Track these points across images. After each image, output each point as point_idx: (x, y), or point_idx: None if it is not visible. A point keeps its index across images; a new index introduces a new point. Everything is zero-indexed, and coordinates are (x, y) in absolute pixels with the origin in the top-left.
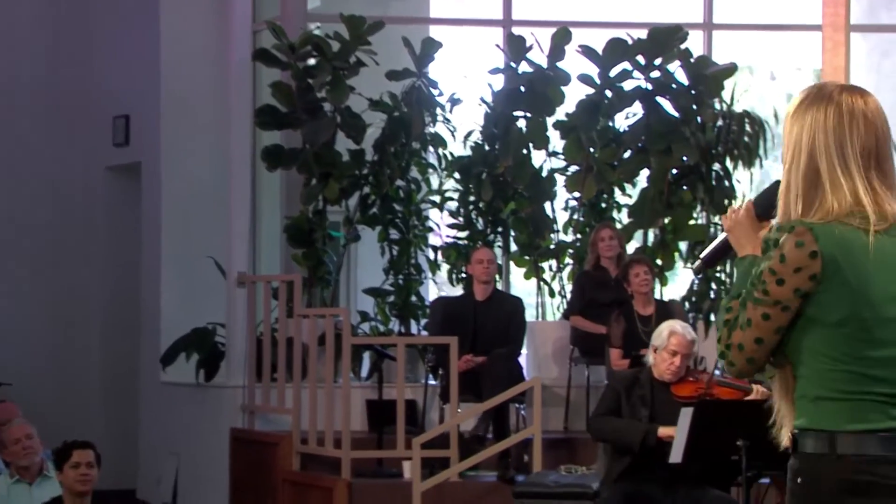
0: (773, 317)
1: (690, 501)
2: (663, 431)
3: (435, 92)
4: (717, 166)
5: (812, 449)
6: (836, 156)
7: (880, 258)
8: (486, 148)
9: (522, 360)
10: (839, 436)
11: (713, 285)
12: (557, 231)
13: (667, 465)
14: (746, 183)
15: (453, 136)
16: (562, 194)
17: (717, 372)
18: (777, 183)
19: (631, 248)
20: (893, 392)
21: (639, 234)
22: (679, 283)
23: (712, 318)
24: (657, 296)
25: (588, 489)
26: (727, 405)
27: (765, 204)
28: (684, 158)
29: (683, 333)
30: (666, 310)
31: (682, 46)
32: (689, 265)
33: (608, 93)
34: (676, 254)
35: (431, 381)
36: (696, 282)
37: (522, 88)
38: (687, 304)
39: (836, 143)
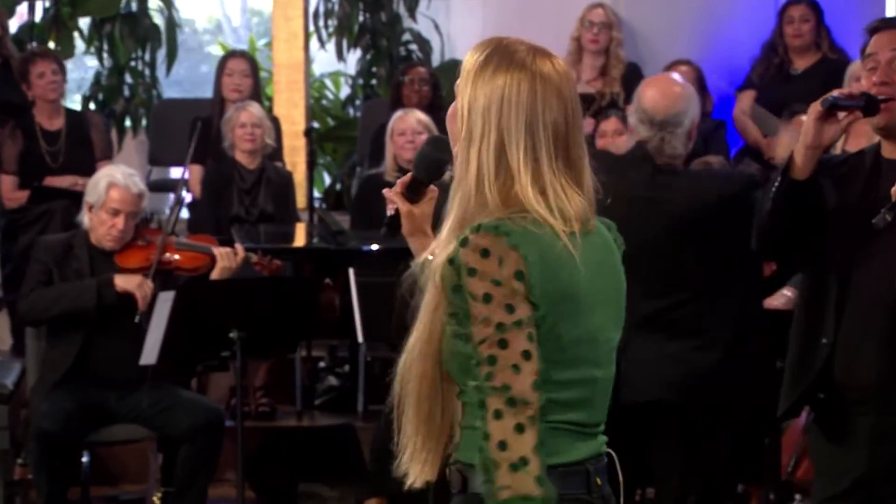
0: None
1: (156, 411)
2: (122, 282)
3: None
4: None
5: None
6: (526, 139)
7: (576, 266)
8: None
9: None
10: None
11: (127, 77)
12: None
13: (126, 366)
14: None
15: None
16: None
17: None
18: (438, 143)
19: (13, 25)
20: (581, 420)
21: (22, 8)
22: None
23: (127, 122)
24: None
25: (2, 389)
26: (218, 287)
27: (431, 169)
28: None
29: (127, 186)
30: (79, 122)
31: None
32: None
33: None
34: (76, 34)
35: None
36: (104, 73)
37: None
38: (93, 105)
39: (528, 124)
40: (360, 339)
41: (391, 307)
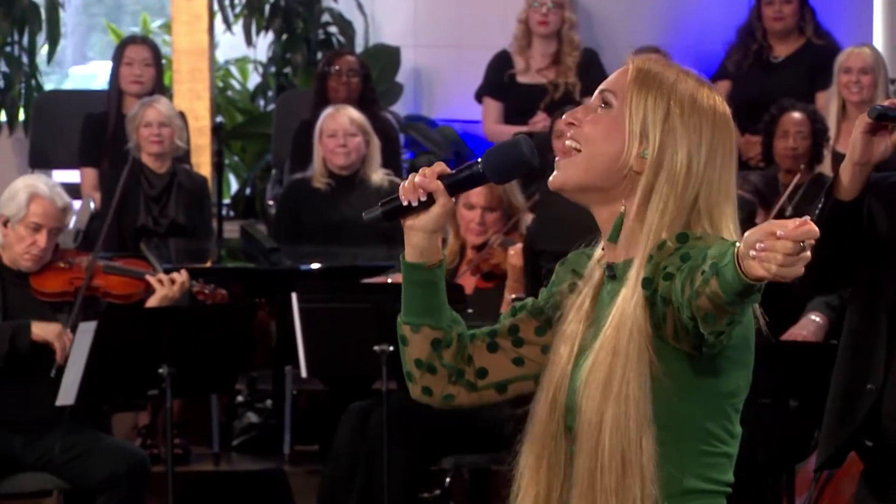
0: None
1: (71, 457)
2: (39, 330)
3: None
4: None
5: None
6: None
7: None
8: None
9: None
10: None
11: (1, 65)
12: None
13: (37, 406)
14: None
15: None
16: None
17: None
18: (532, 146)
19: None
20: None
21: None
22: None
23: (2, 117)
24: None
25: None
26: (145, 316)
27: (514, 170)
28: None
29: (52, 198)
30: None
31: None
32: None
33: None
34: None
35: None
36: None
37: None
38: None
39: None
40: (304, 373)
41: (337, 336)
